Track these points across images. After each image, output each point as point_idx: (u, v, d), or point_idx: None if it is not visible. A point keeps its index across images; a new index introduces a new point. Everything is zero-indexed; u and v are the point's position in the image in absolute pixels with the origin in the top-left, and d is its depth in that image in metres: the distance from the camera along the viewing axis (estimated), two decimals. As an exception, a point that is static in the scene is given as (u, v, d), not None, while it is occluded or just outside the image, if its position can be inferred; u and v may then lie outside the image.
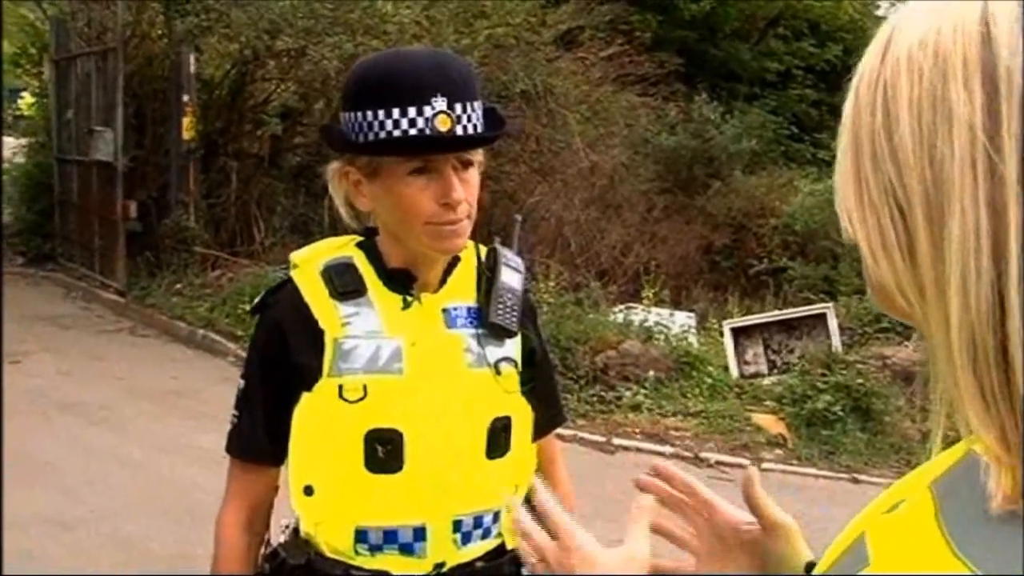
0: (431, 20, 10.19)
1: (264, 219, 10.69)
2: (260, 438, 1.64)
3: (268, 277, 9.02)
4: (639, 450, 6.81)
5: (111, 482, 5.61)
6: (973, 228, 0.59)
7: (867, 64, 0.68)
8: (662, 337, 8.15)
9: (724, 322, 8.53)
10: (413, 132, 1.49)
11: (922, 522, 0.63)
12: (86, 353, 8.34)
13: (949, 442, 0.68)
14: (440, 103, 1.49)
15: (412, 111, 1.49)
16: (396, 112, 1.49)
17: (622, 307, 9.20)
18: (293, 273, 1.64)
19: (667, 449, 6.81)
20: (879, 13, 20.03)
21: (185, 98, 10.19)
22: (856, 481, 6.56)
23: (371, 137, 1.52)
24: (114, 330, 9.25)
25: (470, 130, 1.52)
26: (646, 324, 8.30)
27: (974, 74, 0.60)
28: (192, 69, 10.27)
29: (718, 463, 6.66)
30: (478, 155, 1.59)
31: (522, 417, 1.67)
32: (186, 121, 10.20)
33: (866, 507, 0.70)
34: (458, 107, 1.50)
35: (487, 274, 1.67)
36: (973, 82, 0.60)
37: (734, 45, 17.47)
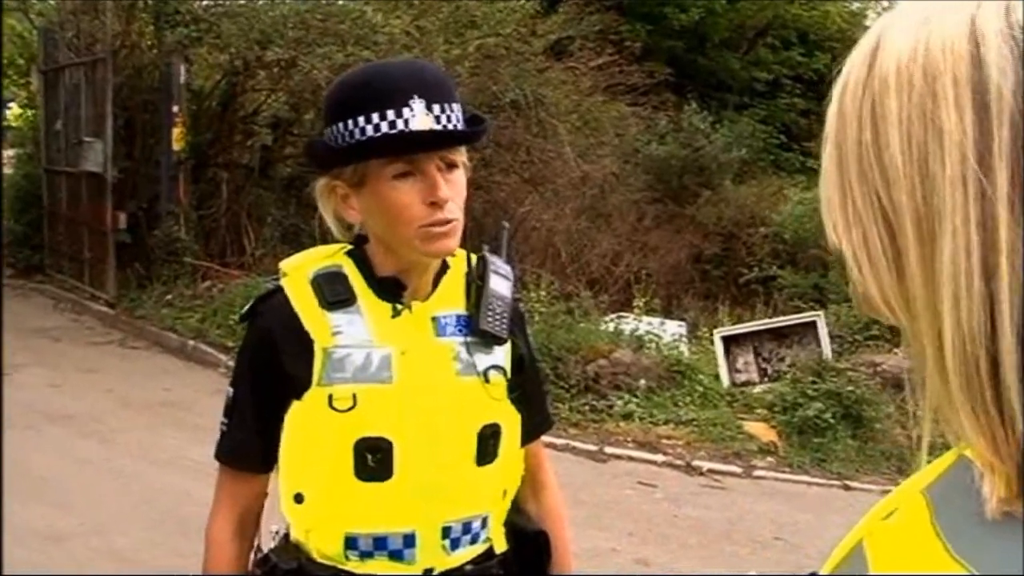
0: (421, 30, 10.21)
1: (255, 230, 10.68)
2: (249, 445, 1.64)
3: (259, 288, 8.98)
4: (631, 459, 6.81)
5: (102, 494, 5.59)
6: (964, 248, 0.59)
7: (852, 74, 0.67)
8: (653, 346, 8.16)
9: (715, 330, 8.54)
10: (394, 132, 1.51)
11: (917, 527, 0.64)
12: (76, 365, 8.31)
13: (936, 451, 0.68)
14: (418, 104, 1.51)
15: (391, 113, 1.51)
16: (376, 116, 1.51)
17: (613, 316, 9.20)
18: (283, 281, 1.64)
19: (659, 458, 6.81)
20: (868, 23, 20.13)
21: (175, 109, 10.18)
22: (848, 488, 6.57)
23: (351, 141, 1.53)
24: (104, 342, 9.22)
25: (450, 127, 1.53)
26: (637, 333, 8.30)
27: (964, 94, 0.60)
28: (182, 80, 10.27)
29: (710, 471, 6.66)
30: (462, 156, 1.59)
31: (511, 424, 1.68)
32: (176, 132, 10.19)
33: (864, 516, 0.70)
34: (436, 107, 1.52)
35: (477, 282, 1.67)
36: (963, 102, 0.60)
37: (723, 55, 17.53)
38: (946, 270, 0.60)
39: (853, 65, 0.67)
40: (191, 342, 8.83)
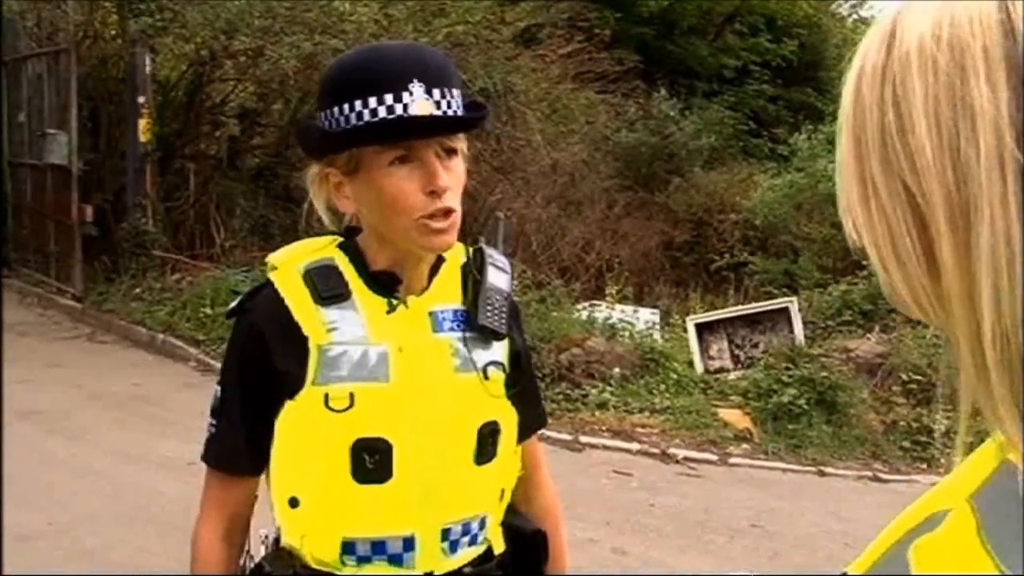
0: (389, 18, 10.14)
1: (223, 221, 10.58)
2: (239, 448, 1.58)
3: (229, 280, 8.93)
4: (606, 447, 6.81)
5: (71, 492, 5.50)
6: (1004, 234, 0.56)
7: (868, 58, 0.63)
8: (626, 334, 8.16)
9: (688, 318, 8.56)
10: (391, 117, 1.45)
11: (964, 538, 0.61)
12: (44, 360, 8.18)
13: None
14: (418, 89, 1.45)
15: (389, 98, 1.44)
16: (373, 101, 1.45)
17: (586, 304, 9.20)
18: (272, 276, 1.58)
19: (634, 446, 6.82)
20: (833, 8, 20.24)
21: (141, 99, 10.04)
22: (822, 474, 6.60)
23: (347, 126, 1.47)
24: (72, 336, 9.10)
25: (450, 113, 1.48)
26: (610, 321, 8.31)
27: (997, 68, 0.56)
28: (147, 70, 10.12)
29: (685, 459, 6.67)
30: (461, 142, 1.53)
31: (509, 421, 1.63)
32: (142, 123, 10.05)
33: (899, 516, 0.67)
34: (436, 92, 1.46)
35: (474, 275, 1.62)
36: (996, 76, 0.56)
37: (692, 42, 17.56)
38: (984, 259, 0.57)
39: (868, 51, 0.64)
40: (160, 336, 8.72)
